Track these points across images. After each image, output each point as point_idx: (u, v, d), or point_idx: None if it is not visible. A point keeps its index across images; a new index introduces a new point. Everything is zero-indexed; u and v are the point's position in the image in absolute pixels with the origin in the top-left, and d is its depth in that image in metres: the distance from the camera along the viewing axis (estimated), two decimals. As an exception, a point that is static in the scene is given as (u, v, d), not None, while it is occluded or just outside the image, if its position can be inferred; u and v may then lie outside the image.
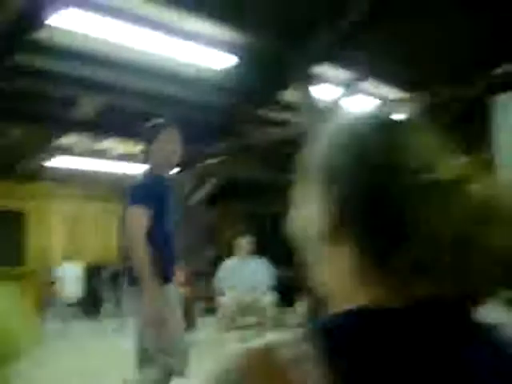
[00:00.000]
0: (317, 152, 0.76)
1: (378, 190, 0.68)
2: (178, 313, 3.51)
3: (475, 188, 0.68)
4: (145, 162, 3.55)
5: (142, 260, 3.18)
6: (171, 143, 3.52)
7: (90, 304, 10.72)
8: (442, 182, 0.68)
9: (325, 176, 0.73)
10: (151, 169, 3.52)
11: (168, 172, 3.62)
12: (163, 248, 3.37)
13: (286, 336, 0.65)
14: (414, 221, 0.65)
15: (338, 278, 0.71)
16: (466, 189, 0.68)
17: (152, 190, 3.42)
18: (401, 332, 0.63)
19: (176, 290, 3.64)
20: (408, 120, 0.78)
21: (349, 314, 0.66)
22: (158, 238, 3.33)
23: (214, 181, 8.96)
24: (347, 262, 0.69)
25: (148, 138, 3.53)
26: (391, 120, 0.77)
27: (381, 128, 0.74)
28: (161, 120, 3.61)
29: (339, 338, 0.62)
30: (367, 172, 0.69)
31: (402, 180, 0.67)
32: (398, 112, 7.01)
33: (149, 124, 3.54)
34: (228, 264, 7.59)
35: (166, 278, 3.36)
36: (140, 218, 3.29)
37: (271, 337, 0.66)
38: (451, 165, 0.72)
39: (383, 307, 0.65)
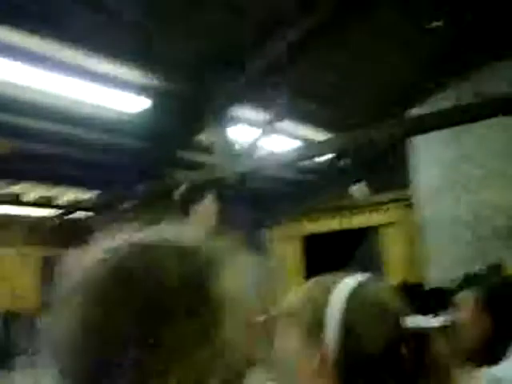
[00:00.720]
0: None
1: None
2: None
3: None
4: (183, 218, 4.03)
5: None
6: (211, 206, 4.15)
7: (2, 355, 10.20)
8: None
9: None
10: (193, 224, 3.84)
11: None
12: None
13: None
14: None
15: None
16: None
17: None
18: None
19: None
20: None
21: None
22: None
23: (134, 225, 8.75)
24: None
25: (185, 197, 4.20)
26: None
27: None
28: (193, 184, 4.00)
29: None
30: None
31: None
32: (318, 153, 7.05)
33: (182, 188, 4.27)
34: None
35: None
36: None
37: None
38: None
39: None
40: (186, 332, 0.65)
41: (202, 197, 4.20)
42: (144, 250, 0.69)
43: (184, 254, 0.70)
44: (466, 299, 2.16)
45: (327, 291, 1.14)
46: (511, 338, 2.05)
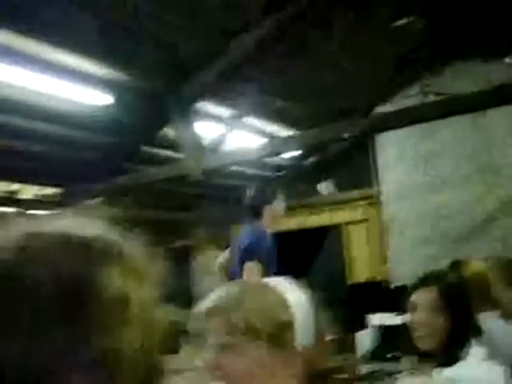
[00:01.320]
0: None
1: None
2: None
3: None
4: (253, 219, 4.20)
5: None
6: (281, 207, 4.30)
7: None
8: None
9: None
10: (259, 226, 4.18)
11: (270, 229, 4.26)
12: None
13: None
14: None
15: None
16: None
17: (265, 246, 4.10)
18: None
19: None
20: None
21: None
22: None
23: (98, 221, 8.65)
24: None
25: (255, 199, 4.25)
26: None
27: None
28: (266, 184, 4.47)
29: None
30: None
31: None
32: (285, 149, 7.02)
33: (254, 187, 4.33)
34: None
35: None
36: (254, 273, 3.85)
37: None
38: None
39: None
40: (63, 339, 0.57)
41: (271, 198, 4.33)
42: (25, 243, 0.62)
43: (73, 246, 0.63)
44: (423, 298, 2.14)
45: (281, 300, 1.15)
46: (468, 338, 2.03)
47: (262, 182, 4.73)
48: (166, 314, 0.72)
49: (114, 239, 0.68)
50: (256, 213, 4.31)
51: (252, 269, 3.93)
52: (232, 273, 4.25)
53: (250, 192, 4.40)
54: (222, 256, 4.56)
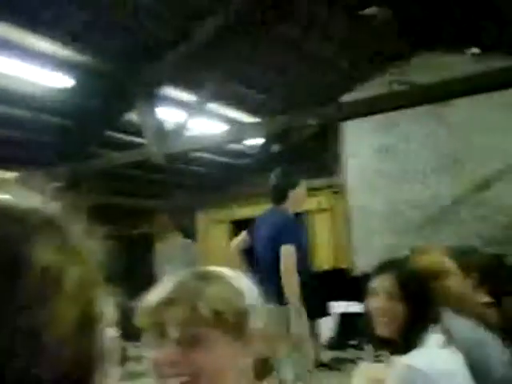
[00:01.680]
0: None
1: None
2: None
3: None
4: (278, 202, 4.23)
5: (295, 291, 3.88)
6: (304, 190, 4.33)
7: None
8: None
9: None
10: (285, 209, 4.20)
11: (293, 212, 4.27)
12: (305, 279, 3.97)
13: None
14: None
15: None
16: None
17: (296, 228, 4.14)
18: None
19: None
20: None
21: None
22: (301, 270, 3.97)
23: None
24: None
25: (281, 182, 4.24)
26: None
27: None
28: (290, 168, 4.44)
29: None
30: None
31: None
32: (248, 136, 6.98)
33: (278, 171, 4.32)
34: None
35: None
36: (293, 256, 3.91)
37: None
38: None
39: None
40: None
41: (293, 183, 4.26)
42: None
43: (6, 218, 0.61)
44: (381, 285, 2.13)
45: (236, 287, 1.15)
46: (426, 325, 2.02)
47: (285, 165, 4.68)
48: (116, 295, 0.69)
49: (53, 214, 0.64)
50: (281, 196, 4.30)
51: (289, 251, 3.95)
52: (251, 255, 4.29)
53: (274, 175, 4.40)
54: (238, 238, 4.51)
